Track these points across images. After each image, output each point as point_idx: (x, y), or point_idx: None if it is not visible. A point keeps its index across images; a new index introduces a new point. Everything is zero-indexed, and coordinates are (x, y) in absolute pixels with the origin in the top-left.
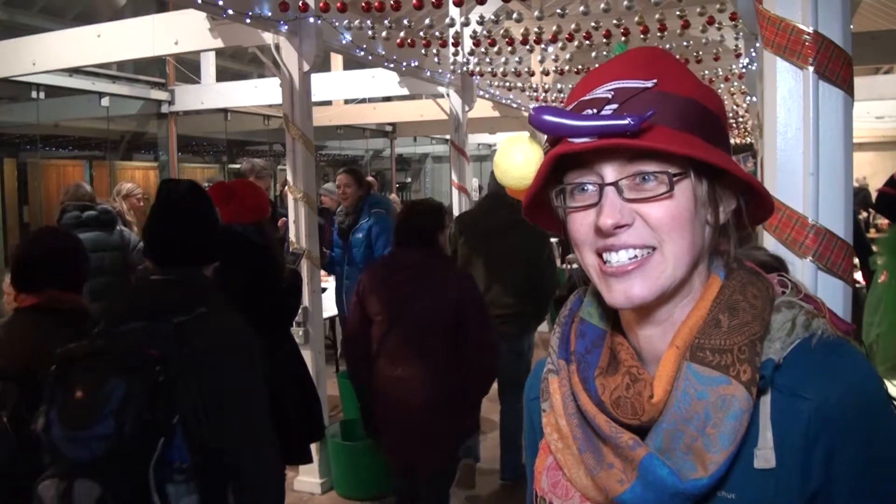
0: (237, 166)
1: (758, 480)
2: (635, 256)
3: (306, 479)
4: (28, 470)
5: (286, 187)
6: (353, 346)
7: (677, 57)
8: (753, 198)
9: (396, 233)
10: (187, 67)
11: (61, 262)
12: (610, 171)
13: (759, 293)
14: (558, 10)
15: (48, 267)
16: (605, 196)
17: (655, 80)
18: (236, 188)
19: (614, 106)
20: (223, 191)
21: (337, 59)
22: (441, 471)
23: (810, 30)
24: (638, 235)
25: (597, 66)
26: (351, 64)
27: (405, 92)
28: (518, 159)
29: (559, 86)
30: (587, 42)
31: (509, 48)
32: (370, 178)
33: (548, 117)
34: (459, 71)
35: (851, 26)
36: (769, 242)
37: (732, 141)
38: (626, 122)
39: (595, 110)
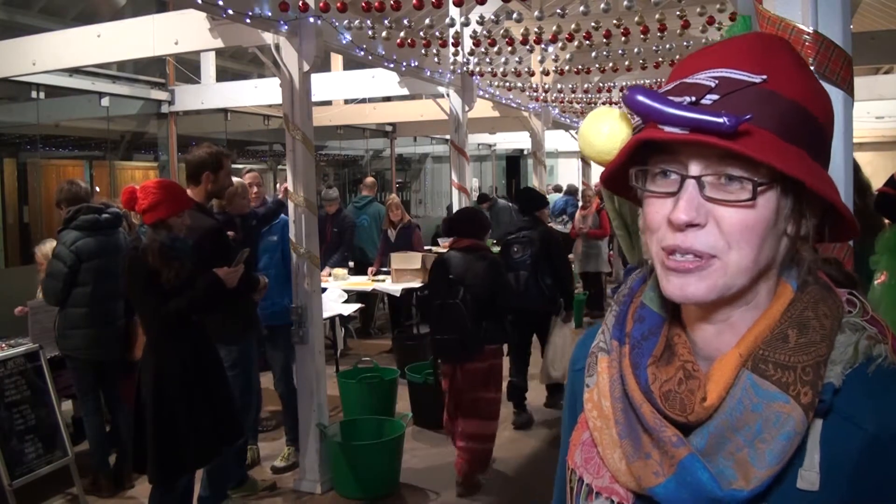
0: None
1: (798, 500)
2: (698, 257)
3: (306, 479)
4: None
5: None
6: None
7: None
8: (837, 216)
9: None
10: (187, 67)
11: (476, 224)
12: (696, 165)
13: (830, 312)
14: (558, 10)
15: (470, 226)
16: (684, 189)
17: (765, 76)
18: (134, 192)
19: (715, 97)
20: (128, 198)
21: (337, 59)
22: None
23: (810, 30)
24: (705, 240)
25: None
26: (351, 64)
27: (405, 92)
28: (604, 131)
29: (559, 86)
30: (587, 42)
31: (509, 48)
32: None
33: (641, 98)
34: (459, 71)
35: (851, 26)
36: None
37: None
38: (721, 120)
39: (694, 98)
